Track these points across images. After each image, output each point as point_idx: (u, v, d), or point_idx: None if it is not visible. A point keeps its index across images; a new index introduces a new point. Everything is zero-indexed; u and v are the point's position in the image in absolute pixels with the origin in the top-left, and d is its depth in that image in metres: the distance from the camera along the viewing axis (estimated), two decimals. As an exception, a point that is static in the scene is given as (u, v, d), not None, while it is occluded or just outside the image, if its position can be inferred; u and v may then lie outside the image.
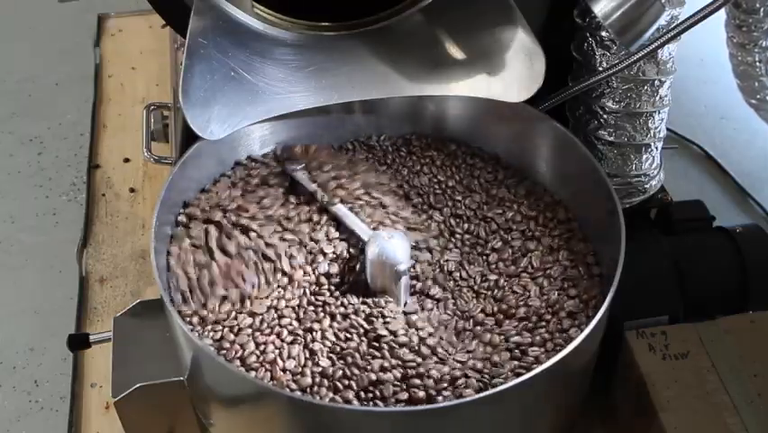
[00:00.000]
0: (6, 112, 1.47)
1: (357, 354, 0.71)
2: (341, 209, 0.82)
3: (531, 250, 0.82)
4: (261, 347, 0.73)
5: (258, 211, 0.82)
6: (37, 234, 1.26)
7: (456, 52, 0.88)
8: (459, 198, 0.87)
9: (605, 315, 0.70)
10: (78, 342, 0.88)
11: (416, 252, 0.81)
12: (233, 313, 0.75)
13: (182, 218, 0.82)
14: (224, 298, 0.76)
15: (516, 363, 0.72)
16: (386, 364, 0.70)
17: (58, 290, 1.16)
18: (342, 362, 0.71)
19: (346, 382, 0.70)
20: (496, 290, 0.78)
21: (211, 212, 0.82)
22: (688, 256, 0.93)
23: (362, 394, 0.69)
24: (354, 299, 0.76)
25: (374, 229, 0.80)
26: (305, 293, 0.77)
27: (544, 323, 0.75)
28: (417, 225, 0.84)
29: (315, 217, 0.83)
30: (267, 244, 0.79)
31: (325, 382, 0.70)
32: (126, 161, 1.32)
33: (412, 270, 0.79)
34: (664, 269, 0.92)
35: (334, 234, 0.81)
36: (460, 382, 0.70)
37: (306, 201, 0.84)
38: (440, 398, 0.69)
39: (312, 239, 0.81)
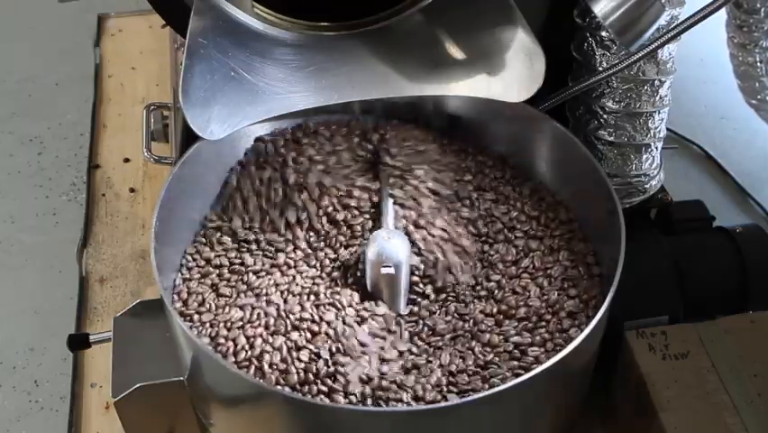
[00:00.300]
0: (6, 112, 1.47)
1: (335, 334, 0.72)
2: (389, 202, 0.83)
3: (533, 250, 0.82)
4: (251, 341, 0.73)
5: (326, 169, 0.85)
6: (37, 234, 1.26)
7: (456, 52, 0.88)
8: (475, 195, 0.87)
9: (605, 315, 0.70)
10: (78, 342, 0.88)
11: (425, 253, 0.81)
12: (227, 308, 0.76)
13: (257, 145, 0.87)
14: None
15: (515, 363, 0.72)
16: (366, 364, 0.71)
17: (58, 290, 1.16)
18: (320, 355, 0.71)
19: (330, 382, 0.70)
20: (496, 291, 0.78)
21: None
22: (688, 256, 0.93)
23: (351, 398, 0.69)
24: (346, 291, 0.77)
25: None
26: (294, 280, 0.78)
27: (543, 323, 0.75)
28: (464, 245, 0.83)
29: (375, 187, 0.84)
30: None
31: (311, 377, 0.70)
32: (126, 161, 1.31)
33: (415, 271, 0.79)
34: (664, 269, 0.91)
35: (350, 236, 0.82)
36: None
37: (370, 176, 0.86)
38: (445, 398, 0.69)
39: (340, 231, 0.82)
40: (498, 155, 0.91)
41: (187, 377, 0.76)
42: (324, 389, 0.69)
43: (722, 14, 0.86)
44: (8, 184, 1.34)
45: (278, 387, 0.69)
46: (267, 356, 0.71)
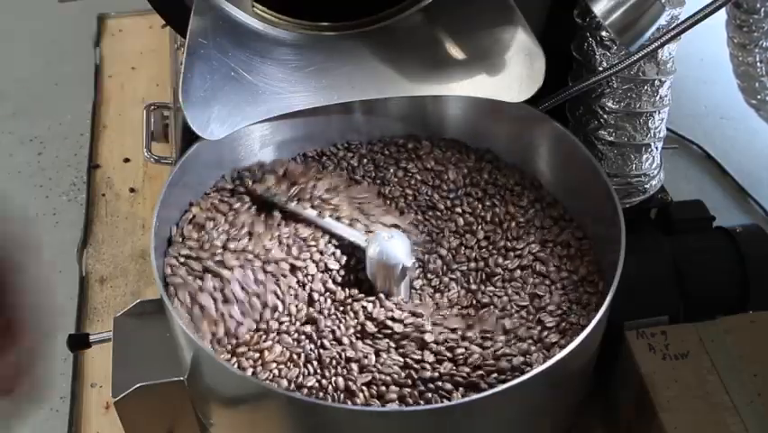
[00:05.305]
0: (6, 112, 1.47)
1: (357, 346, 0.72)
2: (331, 223, 0.81)
3: (531, 251, 0.81)
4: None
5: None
6: (37, 235, 1.26)
7: (456, 52, 0.88)
8: (471, 197, 0.87)
9: (605, 315, 0.70)
10: (78, 342, 0.88)
11: (427, 255, 0.81)
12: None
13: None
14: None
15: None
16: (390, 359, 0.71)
17: (58, 290, 1.16)
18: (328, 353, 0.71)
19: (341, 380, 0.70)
20: (497, 292, 0.78)
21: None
22: (688, 256, 0.93)
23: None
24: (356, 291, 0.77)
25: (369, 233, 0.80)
26: (301, 284, 0.77)
27: (543, 323, 0.75)
28: (408, 228, 0.83)
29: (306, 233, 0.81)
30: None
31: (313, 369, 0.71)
32: (126, 161, 1.32)
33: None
34: (664, 269, 0.91)
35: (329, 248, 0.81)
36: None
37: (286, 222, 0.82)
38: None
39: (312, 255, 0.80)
40: (493, 156, 0.91)
41: (187, 377, 0.76)
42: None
43: (722, 14, 0.86)
44: (8, 184, 1.34)
45: (279, 387, 0.69)
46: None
